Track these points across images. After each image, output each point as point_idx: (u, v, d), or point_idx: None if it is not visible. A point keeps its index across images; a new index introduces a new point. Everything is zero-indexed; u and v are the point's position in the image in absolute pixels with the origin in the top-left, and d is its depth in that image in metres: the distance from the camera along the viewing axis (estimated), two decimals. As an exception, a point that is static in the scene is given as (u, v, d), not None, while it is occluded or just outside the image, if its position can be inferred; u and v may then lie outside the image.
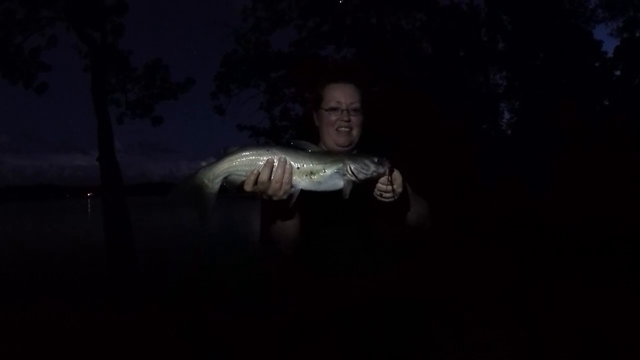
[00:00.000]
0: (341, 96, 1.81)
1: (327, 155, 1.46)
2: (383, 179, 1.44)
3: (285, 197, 1.41)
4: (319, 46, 14.44)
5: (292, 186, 1.40)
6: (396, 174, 1.46)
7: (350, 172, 1.40)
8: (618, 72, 16.87)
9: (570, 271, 6.88)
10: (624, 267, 6.81)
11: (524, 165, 13.19)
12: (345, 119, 1.79)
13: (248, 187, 1.40)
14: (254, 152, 1.41)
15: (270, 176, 1.38)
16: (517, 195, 12.23)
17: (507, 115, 16.95)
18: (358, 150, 1.88)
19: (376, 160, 1.41)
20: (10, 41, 12.40)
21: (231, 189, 1.42)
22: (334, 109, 1.81)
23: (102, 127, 12.27)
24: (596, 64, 16.32)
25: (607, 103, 16.46)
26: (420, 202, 1.77)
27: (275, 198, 1.41)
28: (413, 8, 13.96)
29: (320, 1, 13.71)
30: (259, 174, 1.38)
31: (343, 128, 1.80)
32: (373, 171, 1.41)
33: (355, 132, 1.82)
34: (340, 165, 1.40)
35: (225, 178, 1.42)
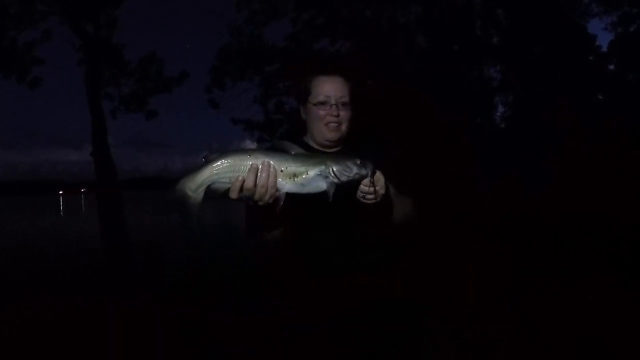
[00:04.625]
0: (330, 90, 1.76)
1: (310, 157, 1.47)
2: (365, 181, 1.45)
3: (271, 201, 1.40)
4: (314, 39, 14.43)
5: (277, 189, 1.40)
6: (378, 176, 1.47)
7: (332, 174, 1.41)
8: (612, 67, 16.93)
9: (570, 270, 6.91)
10: (624, 266, 6.85)
11: (521, 161, 13.25)
12: (335, 113, 1.74)
13: (234, 195, 1.38)
14: (236, 158, 1.39)
15: (256, 181, 1.37)
16: (516, 193, 12.28)
17: (501, 109, 16.97)
18: (346, 146, 1.86)
19: (358, 162, 1.42)
20: (4, 35, 12.33)
21: (215, 197, 1.40)
22: (323, 103, 1.75)
23: (96, 121, 12.29)
24: (590, 58, 16.37)
25: (600, 97, 16.51)
26: (405, 201, 1.77)
27: (261, 203, 1.40)
28: (409, 1, 13.96)
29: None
30: (243, 180, 1.37)
31: (332, 123, 1.75)
32: (355, 173, 1.42)
33: (344, 127, 1.78)
34: (323, 167, 1.41)
35: (209, 187, 1.39)
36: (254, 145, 16.42)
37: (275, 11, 14.25)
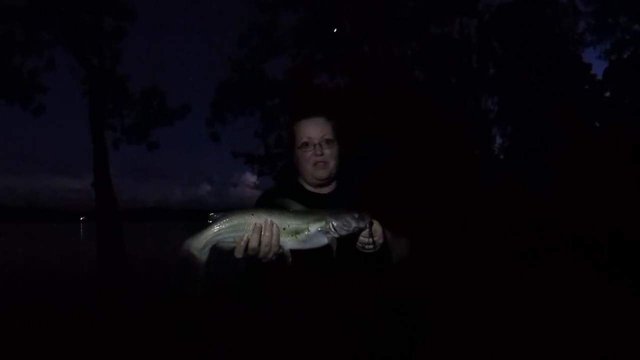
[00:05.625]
0: (312, 131, 1.82)
1: (310, 213, 1.51)
2: (364, 233, 1.51)
3: (274, 258, 1.45)
4: (314, 74, 14.63)
5: (280, 247, 1.44)
6: (376, 227, 1.53)
7: (332, 229, 1.46)
8: (608, 94, 17.12)
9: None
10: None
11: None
12: (319, 152, 1.80)
13: (239, 254, 1.42)
14: (239, 217, 1.43)
15: (260, 240, 1.41)
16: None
17: (499, 140, 17.07)
18: (338, 186, 1.92)
19: (356, 216, 1.48)
20: (10, 61, 12.53)
21: (220, 256, 1.43)
22: (306, 145, 1.82)
23: (97, 151, 12.34)
24: (586, 87, 16.57)
25: (597, 125, 16.66)
26: (401, 244, 1.81)
27: (264, 260, 1.44)
28: (405, 37, 14.27)
29: (314, 30, 13.97)
30: (248, 239, 1.41)
31: (319, 162, 1.81)
32: (354, 227, 1.48)
33: (332, 164, 1.83)
34: (323, 223, 1.46)
35: (213, 246, 1.42)
36: (254, 179, 16.51)
37: (275, 47, 14.54)
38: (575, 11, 16.98)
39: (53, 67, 13.20)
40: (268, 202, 1.73)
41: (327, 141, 1.82)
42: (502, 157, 16.45)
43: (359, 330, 1.74)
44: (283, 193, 1.88)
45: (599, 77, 16.95)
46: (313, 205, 1.59)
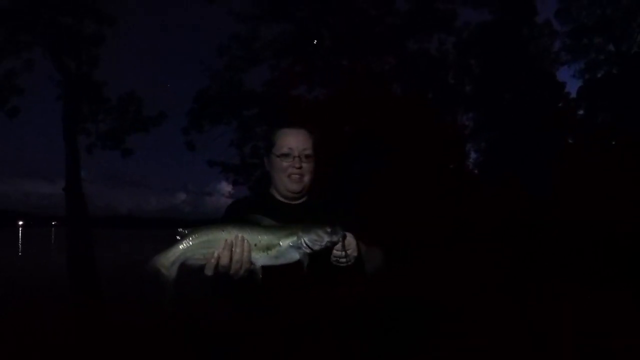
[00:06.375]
0: (293, 142, 1.78)
1: (282, 228, 1.47)
2: (338, 246, 1.48)
3: (246, 275, 1.40)
4: (292, 86, 14.66)
5: (251, 263, 1.39)
6: (349, 240, 1.50)
7: (305, 245, 1.43)
8: (581, 112, 17.58)
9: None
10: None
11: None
12: (297, 165, 1.76)
13: (209, 272, 1.37)
14: (209, 233, 1.37)
15: (231, 257, 1.36)
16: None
17: (473, 155, 17.33)
18: (310, 197, 1.89)
19: (329, 230, 1.45)
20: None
21: (190, 273, 1.38)
22: (286, 155, 1.77)
23: (70, 156, 12.05)
24: (560, 105, 16.97)
25: (571, 142, 17.06)
26: (375, 255, 1.79)
27: (236, 277, 1.40)
28: (383, 52, 14.40)
29: (294, 42, 13.99)
30: (219, 257, 1.36)
31: (295, 175, 1.77)
32: (327, 241, 1.45)
33: (307, 179, 1.80)
34: (295, 238, 1.43)
35: (182, 263, 1.36)
36: (230, 188, 16.37)
37: (255, 57, 14.49)
38: (551, 31, 17.50)
39: (30, 69, 12.89)
40: (236, 212, 1.70)
41: (307, 156, 1.79)
42: (476, 171, 16.71)
43: (334, 346, 1.71)
44: (252, 203, 1.85)
45: (573, 95, 17.46)
46: (283, 215, 1.57)
